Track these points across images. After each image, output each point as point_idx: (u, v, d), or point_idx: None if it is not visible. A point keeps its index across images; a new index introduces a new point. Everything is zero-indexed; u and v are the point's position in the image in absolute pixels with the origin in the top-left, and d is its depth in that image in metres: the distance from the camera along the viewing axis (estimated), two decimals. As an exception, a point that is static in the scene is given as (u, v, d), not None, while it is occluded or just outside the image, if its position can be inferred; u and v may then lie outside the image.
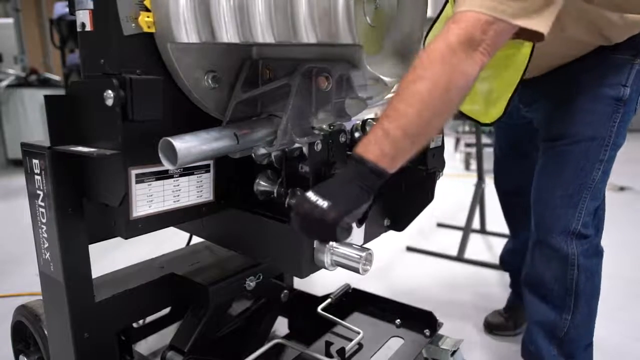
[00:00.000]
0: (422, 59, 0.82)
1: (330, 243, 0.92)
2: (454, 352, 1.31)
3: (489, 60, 0.83)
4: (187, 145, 0.76)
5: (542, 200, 1.29)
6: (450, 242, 2.68)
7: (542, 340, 1.30)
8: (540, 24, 0.85)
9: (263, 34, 0.82)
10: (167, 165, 0.77)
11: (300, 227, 0.79)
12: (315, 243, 0.93)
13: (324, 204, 0.75)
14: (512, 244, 1.81)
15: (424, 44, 1.35)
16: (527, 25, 0.83)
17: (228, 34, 0.84)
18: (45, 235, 0.95)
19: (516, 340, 1.67)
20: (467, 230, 2.62)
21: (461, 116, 1.38)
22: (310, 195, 0.77)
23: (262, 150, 0.93)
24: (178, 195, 0.94)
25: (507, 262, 1.84)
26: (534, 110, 1.36)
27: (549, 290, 1.28)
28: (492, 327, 1.78)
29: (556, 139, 1.23)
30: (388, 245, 2.63)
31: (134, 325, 1.38)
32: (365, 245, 1.00)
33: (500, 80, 1.21)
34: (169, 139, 0.74)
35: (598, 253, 1.27)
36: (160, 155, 0.76)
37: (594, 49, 1.17)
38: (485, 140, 3.60)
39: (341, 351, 1.21)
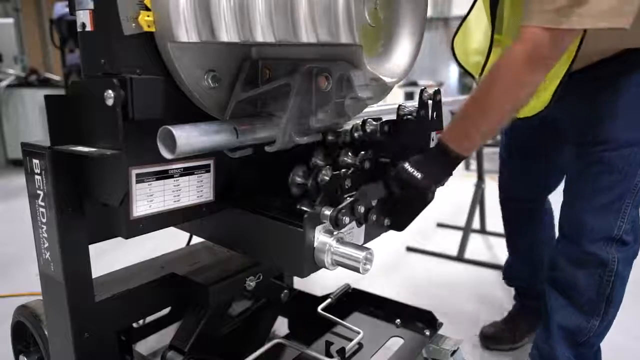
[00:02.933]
0: (493, 75, 0.95)
1: (331, 243, 0.92)
2: (454, 352, 1.31)
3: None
4: (187, 134, 0.76)
5: (579, 206, 1.26)
6: (450, 242, 2.68)
7: (560, 343, 1.29)
8: (622, 20, 0.87)
9: (263, 34, 0.82)
10: (165, 155, 0.77)
11: (399, 190, 1.01)
12: (316, 242, 0.93)
13: (418, 175, 0.98)
14: (514, 259, 1.77)
15: (452, 47, 1.43)
16: (610, 25, 0.87)
17: (228, 34, 0.84)
18: (45, 235, 0.95)
19: (514, 354, 1.66)
20: (467, 230, 2.63)
21: None
22: (407, 167, 0.99)
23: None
24: (178, 195, 0.94)
25: (513, 278, 1.80)
26: (561, 109, 1.26)
27: (580, 294, 1.26)
28: (490, 339, 1.71)
29: (595, 144, 1.20)
30: (388, 245, 2.63)
31: (134, 325, 1.38)
32: (365, 245, 1.00)
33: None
34: (169, 127, 0.75)
35: (633, 260, 1.25)
36: (159, 144, 0.76)
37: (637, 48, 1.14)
38: (485, 140, 3.60)
39: (341, 351, 1.21)
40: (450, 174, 1.03)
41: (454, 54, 1.43)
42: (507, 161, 1.66)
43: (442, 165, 1.00)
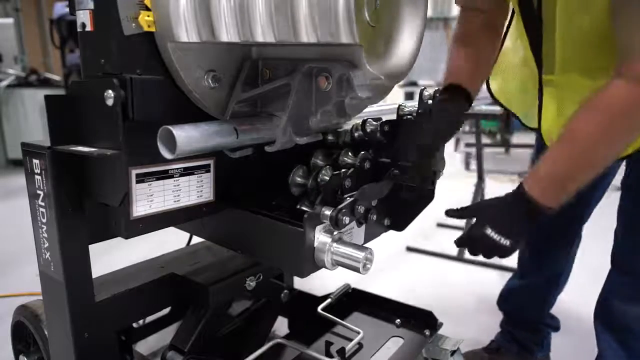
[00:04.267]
0: (606, 112, 0.83)
1: (331, 243, 0.92)
2: (453, 352, 1.31)
3: None
4: (187, 134, 0.76)
5: None
6: (450, 242, 2.67)
7: None
8: None
9: (263, 34, 0.82)
10: (165, 155, 0.77)
11: (481, 254, 0.92)
12: (316, 242, 0.93)
13: (506, 242, 0.88)
14: (521, 283, 1.61)
15: (488, 86, 1.33)
16: None
17: (228, 34, 0.84)
18: (45, 235, 0.95)
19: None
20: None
21: None
22: (491, 233, 0.88)
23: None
24: (178, 195, 0.94)
25: (507, 301, 1.66)
26: None
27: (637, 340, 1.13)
28: None
29: None
30: (388, 245, 2.63)
31: (134, 325, 1.38)
32: (365, 245, 1.00)
33: None
34: (169, 127, 0.75)
35: None
36: (159, 144, 0.76)
37: None
38: (485, 140, 3.60)
39: (341, 351, 1.21)
40: (531, 230, 0.93)
41: (491, 94, 1.35)
42: None
43: (532, 224, 0.90)
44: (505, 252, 0.90)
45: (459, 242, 0.97)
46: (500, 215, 0.90)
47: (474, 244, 0.92)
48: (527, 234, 0.91)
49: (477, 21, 1.16)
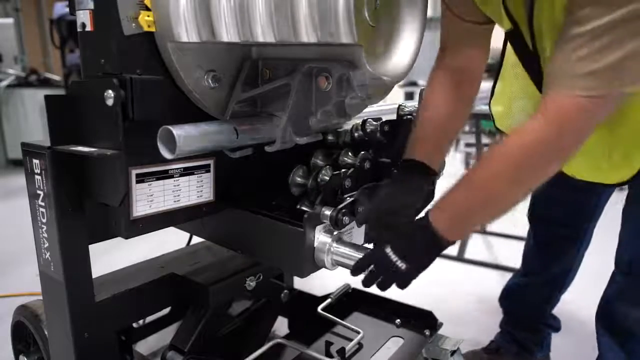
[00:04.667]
0: (505, 154, 0.77)
1: (330, 243, 0.92)
2: (453, 352, 1.31)
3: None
4: (187, 134, 0.76)
5: None
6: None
7: None
8: None
9: (263, 34, 0.82)
10: (165, 155, 0.77)
11: (377, 279, 0.86)
12: (316, 242, 0.93)
13: (403, 265, 0.83)
14: (523, 282, 1.58)
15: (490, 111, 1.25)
16: None
17: (228, 33, 0.84)
18: (45, 235, 0.95)
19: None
20: (467, 230, 2.63)
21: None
22: (390, 254, 0.84)
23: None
24: (178, 195, 0.94)
25: (510, 299, 1.62)
26: None
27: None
28: None
29: None
30: (388, 245, 2.63)
31: (134, 325, 1.38)
32: (365, 245, 1.00)
33: (624, 128, 0.94)
34: (169, 127, 0.75)
35: None
36: (159, 144, 0.76)
37: None
38: (485, 140, 3.60)
39: (341, 351, 1.21)
40: (435, 259, 0.88)
41: (493, 121, 1.29)
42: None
43: (432, 254, 0.86)
44: (402, 277, 0.85)
45: (355, 267, 0.89)
46: (404, 239, 0.86)
47: (372, 262, 0.87)
48: (430, 263, 0.86)
49: (448, 77, 1.05)
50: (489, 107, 1.30)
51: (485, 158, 0.83)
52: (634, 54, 0.66)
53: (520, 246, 1.64)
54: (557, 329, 1.62)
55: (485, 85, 1.19)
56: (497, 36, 1.08)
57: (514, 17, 0.91)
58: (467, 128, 6.54)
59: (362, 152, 1.05)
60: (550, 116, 0.73)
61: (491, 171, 0.80)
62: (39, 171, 0.91)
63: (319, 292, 1.55)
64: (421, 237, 0.84)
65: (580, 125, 0.73)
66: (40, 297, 1.07)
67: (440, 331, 1.34)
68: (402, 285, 0.86)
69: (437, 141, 1.03)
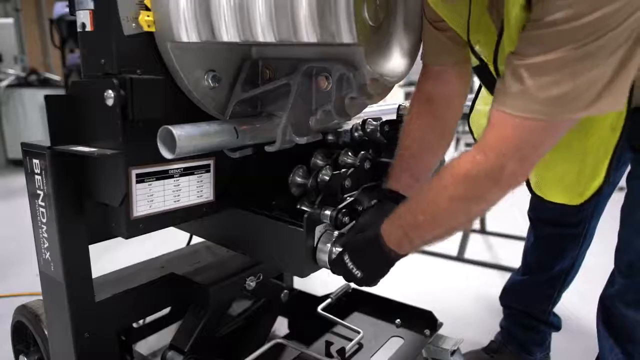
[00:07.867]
0: (452, 177, 0.78)
1: (331, 242, 0.92)
2: (453, 352, 1.31)
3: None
4: (187, 134, 0.76)
5: None
6: (450, 242, 2.67)
7: None
8: (617, 100, 0.70)
9: (263, 33, 0.82)
10: (165, 155, 0.77)
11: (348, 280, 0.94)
12: (316, 242, 0.93)
13: (357, 273, 0.90)
14: (524, 279, 1.56)
15: (469, 125, 1.26)
16: (602, 110, 0.70)
17: (228, 33, 0.84)
18: (45, 235, 0.95)
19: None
20: (466, 230, 2.63)
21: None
22: (347, 260, 0.90)
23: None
24: (178, 195, 0.94)
25: (511, 296, 1.60)
26: None
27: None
28: None
29: None
30: (388, 245, 2.63)
31: (134, 325, 1.38)
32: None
33: (591, 148, 0.94)
34: (169, 127, 0.75)
35: None
36: (159, 144, 0.76)
37: None
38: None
39: (341, 351, 1.21)
40: (389, 270, 0.92)
41: (471, 132, 1.30)
42: None
43: (382, 264, 0.90)
44: (359, 282, 0.92)
45: (331, 269, 0.95)
46: (359, 249, 0.91)
47: (335, 268, 0.93)
48: (383, 273, 0.91)
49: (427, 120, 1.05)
50: (468, 123, 1.30)
51: (437, 177, 0.83)
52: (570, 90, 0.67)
53: (520, 246, 1.64)
54: (557, 327, 1.62)
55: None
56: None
57: (479, 56, 0.94)
58: (467, 128, 6.56)
59: (362, 152, 1.05)
60: (494, 134, 0.75)
61: (438, 191, 0.81)
62: (39, 171, 0.91)
63: (319, 292, 1.55)
64: (370, 248, 0.89)
65: (523, 151, 0.74)
66: (40, 297, 1.07)
67: (440, 331, 1.34)
68: (360, 285, 0.93)
69: (416, 173, 1.04)
